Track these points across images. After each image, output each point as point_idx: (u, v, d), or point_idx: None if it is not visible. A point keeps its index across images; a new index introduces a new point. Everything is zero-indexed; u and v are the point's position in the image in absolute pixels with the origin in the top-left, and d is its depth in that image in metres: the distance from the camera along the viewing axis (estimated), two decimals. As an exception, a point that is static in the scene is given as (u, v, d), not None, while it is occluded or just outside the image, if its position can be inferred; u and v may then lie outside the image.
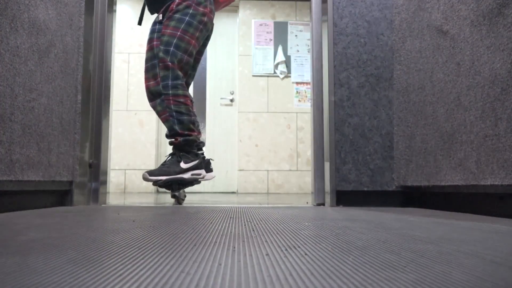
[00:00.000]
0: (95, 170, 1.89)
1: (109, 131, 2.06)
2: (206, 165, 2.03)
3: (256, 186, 4.52)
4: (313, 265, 0.51)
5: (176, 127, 1.93)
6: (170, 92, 1.92)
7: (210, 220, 1.09)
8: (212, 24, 2.14)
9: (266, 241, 0.72)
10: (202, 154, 2.05)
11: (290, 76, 4.69)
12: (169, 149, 4.63)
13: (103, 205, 1.85)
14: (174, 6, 1.99)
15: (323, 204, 1.91)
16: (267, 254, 0.59)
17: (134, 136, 4.51)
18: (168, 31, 1.96)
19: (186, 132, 1.94)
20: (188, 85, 2.09)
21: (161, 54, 1.93)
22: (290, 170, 4.57)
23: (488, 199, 1.35)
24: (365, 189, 1.86)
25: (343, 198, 1.85)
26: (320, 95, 1.99)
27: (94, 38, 1.93)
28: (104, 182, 1.94)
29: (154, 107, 1.99)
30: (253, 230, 0.87)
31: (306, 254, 0.59)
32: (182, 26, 1.96)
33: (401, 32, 1.88)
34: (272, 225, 0.97)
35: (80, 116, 1.82)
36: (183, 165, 1.94)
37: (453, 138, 1.46)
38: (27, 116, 1.41)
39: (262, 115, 4.63)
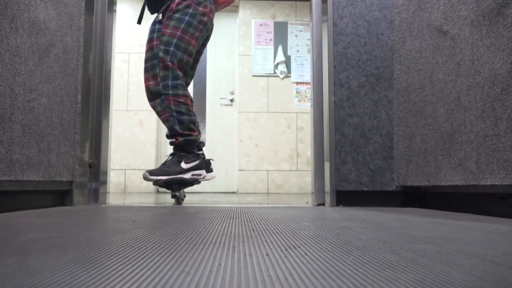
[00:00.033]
0: (95, 170, 1.89)
1: (109, 131, 2.06)
2: (206, 165, 2.03)
3: (256, 186, 4.52)
4: (313, 265, 0.51)
5: (177, 127, 1.93)
6: (170, 92, 1.92)
7: (210, 220, 1.09)
8: (212, 24, 2.14)
9: (266, 241, 0.72)
10: (203, 154, 2.05)
11: (290, 76, 4.69)
12: (169, 149, 4.63)
13: (103, 205, 1.85)
14: (174, 5, 1.99)
15: (323, 204, 1.91)
16: (267, 254, 0.59)
17: (134, 136, 4.51)
18: (168, 31, 1.96)
19: (186, 132, 1.94)
20: (187, 84, 2.09)
21: (161, 54, 1.93)
22: (290, 170, 4.57)
23: (488, 199, 1.35)
24: (365, 189, 1.86)
25: (343, 198, 1.85)
26: (320, 95, 1.99)
27: (94, 38, 1.93)
28: (104, 182, 1.93)
29: (154, 107, 1.99)
30: (253, 230, 0.87)
31: (306, 254, 0.59)
32: (182, 26, 1.96)
33: (401, 32, 1.88)
34: (272, 225, 0.97)
35: (80, 116, 1.82)
36: (184, 165, 1.94)
37: (453, 138, 1.46)
38: (27, 116, 1.41)
39: (262, 115, 4.63)
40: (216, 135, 4.74)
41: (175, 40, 1.94)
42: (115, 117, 4.49)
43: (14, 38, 1.33)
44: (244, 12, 4.78)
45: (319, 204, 1.91)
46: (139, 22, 2.19)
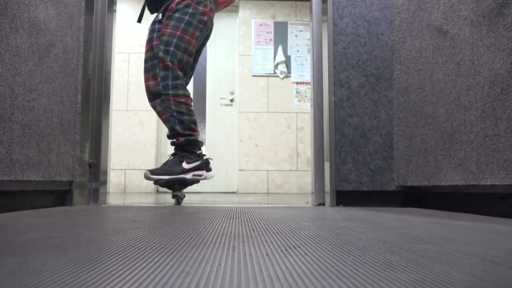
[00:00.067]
0: (95, 170, 1.89)
1: (109, 131, 2.06)
2: (205, 164, 2.04)
3: (256, 186, 4.52)
4: (313, 265, 0.51)
5: (177, 127, 1.93)
6: (171, 92, 1.92)
7: (210, 220, 1.09)
8: (212, 24, 2.13)
9: (266, 241, 0.72)
10: (203, 154, 2.05)
11: (290, 76, 4.69)
12: (169, 149, 4.63)
13: (103, 205, 1.85)
14: (174, 5, 1.99)
15: (323, 204, 1.91)
16: (267, 254, 0.59)
17: (134, 136, 4.51)
18: (168, 30, 1.96)
19: (187, 132, 1.94)
20: (186, 84, 2.09)
21: (161, 54, 1.93)
22: (290, 170, 4.57)
23: (488, 199, 1.35)
24: (365, 189, 1.86)
25: (343, 198, 1.85)
26: (320, 95, 1.99)
27: (94, 38, 1.93)
28: (104, 182, 1.93)
29: (154, 107, 1.99)
30: (253, 230, 0.87)
31: (306, 254, 0.59)
32: (182, 25, 1.96)
33: (401, 32, 1.88)
34: (272, 225, 0.97)
35: (80, 116, 1.82)
36: (185, 165, 1.94)
37: (453, 138, 1.46)
38: (27, 116, 1.41)
39: (262, 115, 4.63)
40: (216, 135, 4.74)
41: (175, 40, 1.94)
42: (115, 117, 4.49)
43: (14, 38, 1.33)
44: (244, 12, 4.78)
45: (319, 204, 1.91)
46: (139, 20, 2.19)
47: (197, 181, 1.99)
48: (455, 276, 0.45)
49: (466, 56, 1.39)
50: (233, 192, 4.59)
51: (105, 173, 1.95)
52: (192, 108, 1.98)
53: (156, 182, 1.90)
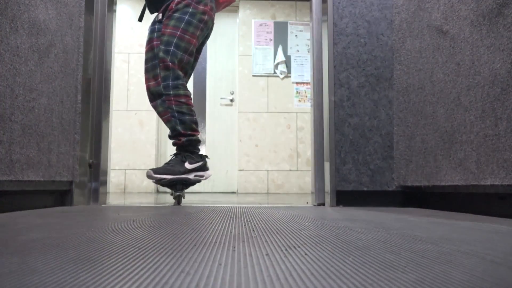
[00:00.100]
0: (95, 170, 1.89)
1: (109, 131, 2.06)
2: (205, 165, 2.04)
3: (256, 186, 4.52)
4: (313, 265, 0.51)
5: (179, 128, 1.92)
6: (171, 92, 1.92)
7: (210, 220, 1.09)
8: (213, 23, 2.13)
9: (266, 241, 0.72)
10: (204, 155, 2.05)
11: (290, 76, 4.69)
12: (169, 149, 4.63)
13: (103, 205, 1.85)
14: (174, 5, 1.98)
15: (323, 204, 1.91)
16: (267, 254, 0.59)
17: (134, 136, 4.51)
18: (168, 30, 1.95)
19: (189, 132, 1.94)
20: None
21: (161, 54, 1.93)
22: (290, 170, 4.57)
23: (488, 199, 1.35)
24: (365, 189, 1.86)
25: (343, 198, 1.85)
26: (320, 95, 1.99)
27: (94, 38, 1.93)
28: (104, 182, 1.93)
29: (155, 108, 1.98)
30: (253, 230, 0.87)
31: (306, 254, 0.59)
32: (182, 25, 1.96)
33: (401, 32, 1.88)
34: (272, 225, 0.97)
35: (80, 116, 1.82)
36: (188, 165, 1.94)
37: (453, 138, 1.46)
38: (27, 116, 1.41)
39: (262, 115, 4.63)
40: (216, 135, 4.74)
41: (175, 40, 1.94)
42: (115, 117, 4.49)
43: (14, 38, 1.33)
44: (244, 12, 4.78)
45: (319, 204, 1.91)
46: (140, 19, 2.19)
47: (198, 182, 1.99)
48: (455, 276, 0.45)
49: (466, 56, 1.39)
50: (233, 192, 4.59)
51: (105, 173, 1.95)
52: (193, 108, 1.98)
53: (159, 181, 1.89)
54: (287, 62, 4.70)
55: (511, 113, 1.16)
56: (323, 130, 1.96)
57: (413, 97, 1.76)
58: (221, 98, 4.78)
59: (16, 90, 1.34)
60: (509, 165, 1.15)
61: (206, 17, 2.03)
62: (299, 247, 0.65)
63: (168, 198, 2.69)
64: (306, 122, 4.65)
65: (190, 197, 2.89)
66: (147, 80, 1.99)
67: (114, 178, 4.44)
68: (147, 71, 2.00)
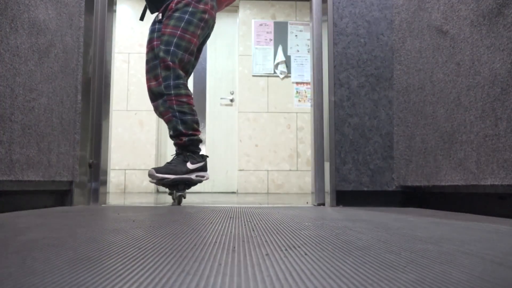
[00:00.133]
0: (95, 170, 1.89)
1: (109, 131, 2.07)
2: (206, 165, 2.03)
3: (256, 186, 4.52)
4: (313, 265, 0.51)
5: (180, 127, 1.92)
6: (172, 92, 1.91)
7: (210, 220, 1.09)
8: (214, 21, 2.12)
9: (266, 241, 0.72)
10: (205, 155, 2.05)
11: (290, 76, 4.69)
12: (169, 149, 4.63)
13: (103, 205, 1.85)
14: (174, 4, 1.98)
15: (323, 204, 1.91)
16: (267, 254, 0.59)
17: (134, 136, 4.51)
18: (168, 30, 1.95)
19: (190, 132, 1.93)
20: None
21: (161, 54, 1.93)
22: (290, 170, 4.57)
23: (488, 199, 1.35)
24: (365, 189, 1.86)
25: (343, 198, 1.85)
26: (320, 95, 1.99)
27: (94, 38, 1.93)
28: (104, 182, 1.93)
29: (156, 108, 1.97)
30: (253, 230, 0.87)
31: (306, 254, 0.59)
32: (182, 24, 1.95)
33: (401, 32, 1.88)
34: (272, 225, 0.97)
35: (80, 116, 1.82)
36: (189, 165, 1.93)
37: (453, 138, 1.46)
38: (27, 116, 1.41)
39: (262, 115, 4.63)
40: (216, 135, 4.74)
41: (175, 40, 1.93)
42: (115, 117, 4.50)
43: (14, 38, 1.33)
44: (244, 12, 4.78)
45: (319, 204, 1.91)
46: (141, 18, 2.19)
47: (200, 182, 1.99)
48: (455, 276, 0.45)
49: (466, 56, 1.39)
50: (233, 192, 4.59)
51: (105, 173, 1.95)
52: (194, 107, 1.98)
53: (161, 181, 1.88)
54: (287, 62, 4.70)
55: (511, 113, 1.16)
56: (323, 130, 1.96)
57: (413, 97, 1.76)
58: (221, 98, 4.78)
59: (16, 90, 1.34)
60: (509, 165, 1.15)
61: (206, 16, 2.03)
62: (299, 247, 0.65)
63: (168, 198, 2.69)
64: (306, 122, 4.65)
65: (190, 197, 2.89)
66: (148, 80, 1.99)
67: (114, 178, 4.44)
68: (148, 71, 2.00)
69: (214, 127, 4.75)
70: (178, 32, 1.94)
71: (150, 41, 2.03)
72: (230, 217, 1.18)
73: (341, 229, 0.90)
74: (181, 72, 1.94)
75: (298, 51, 4.73)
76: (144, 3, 4.70)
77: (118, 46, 4.61)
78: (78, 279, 0.43)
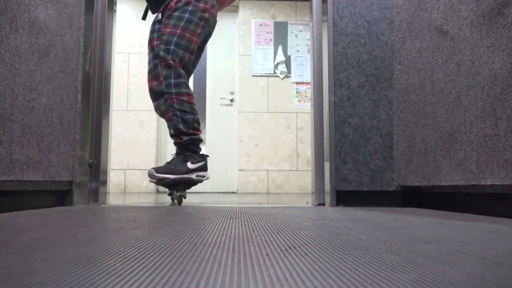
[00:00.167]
0: (95, 170, 1.89)
1: (109, 131, 2.06)
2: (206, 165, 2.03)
3: (256, 186, 4.52)
4: (313, 265, 0.51)
5: (181, 126, 1.91)
6: (173, 91, 1.90)
7: (210, 220, 1.09)
8: (215, 20, 2.12)
9: (266, 241, 0.72)
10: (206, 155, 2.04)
11: (290, 76, 4.69)
12: (169, 149, 4.63)
13: (103, 205, 1.85)
14: (173, 4, 1.98)
15: (323, 204, 1.91)
16: (267, 254, 0.59)
17: (134, 136, 4.51)
18: (168, 30, 1.95)
19: (191, 131, 1.92)
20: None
21: (161, 53, 1.92)
22: (290, 170, 4.57)
23: (488, 199, 1.35)
24: (365, 189, 1.86)
25: (343, 198, 1.85)
26: (320, 95, 1.99)
27: (94, 38, 1.93)
28: (104, 182, 1.93)
29: (157, 107, 1.96)
30: (253, 230, 0.87)
31: (306, 254, 0.59)
32: (182, 23, 1.95)
33: (401, 32, 1.88)
34: (272, 225, 0.97)
35: (80, 116, 1.82)
36: (190, 165, 1.92)
37: (453, 138, 1.46)
38: (27, 116, 1.41)
39: (262, 115, 4.63)
40: (216, 135, 4.74)
41: (175, 39, 1.93)
42: (115, 117, 4.50)
43: (14, 38, 1.33)
44: (244, 12, 4.78)
45: (319, 204, 1.91)
46: (143, 18, 2.19)
47: (200, 182, 1.98)
48: (455, 276, 0.45)
49: (466, 56, 1.39)
50: (233, 192, 4.59)
51: (105, 173, 1.95)
52: (195, 106, 1.97)
53: (161, 181, 1.88)
54: (287, 62, 4.70)
55: (511, 113, 1.16)
56: (323, 130, 1.96)
57: (413, 97, 1.76)
58: (221, 98, 4.78)
59: (16, 90, 1.34)
60: (509, 165, 1.15)
61: (206, 15, 2.02)
62: (299, 247, 0.65)
63: (168, 198, 2.69)
64: (306, 122, 4.65)
65: (190, 197, 2.89)
66: (149, 81, 1.98)
67: (114, 178, 4.44)
68: (149, 72, 1.99)
69: (214, 127, 4.75)
70: (178, 31, 1.94)
71: (150, 41, 2.03)
72: (230, 217, 1.18)
73: (341, 229, 0.90)
74: (181, 71, 1.94)
75: (298, 51, 4.73)
76: (143, 3, 4.71)
77: (118, 46, 4.61)
78: (78, 279, 0.43)
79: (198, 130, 1.96)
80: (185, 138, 1.92)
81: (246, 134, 4.58)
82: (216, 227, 0.92)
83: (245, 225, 0.98)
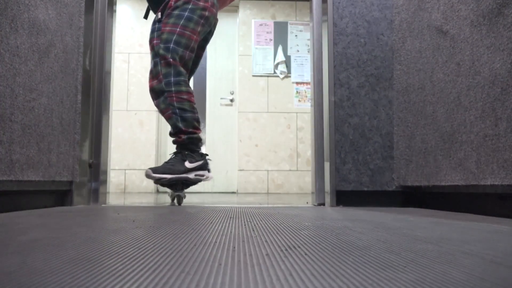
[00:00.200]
0: (95, 170, 1.89)
1: (109, 131, 2.06)
2: (207, 165, 2.01)
3: (256, 186, 4.52)
4: (313, 265, 0.51)
5: (180, 125, 1.89)
6: (173, 89, 1.89)
7: (210, 220, 1.09)
8: (216, 19, 2.11)
9: (266, 241, 0.72)
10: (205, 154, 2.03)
11: (290, 76, 4.69)
12: (170, 149, 4.63)
13: (103, 205, 1.85)
14: (173, 2, 1.98)
15: (323, 204, 1.91)
16: (267, 254, 0.59)
17: (134, 136, 4.51)
18: (168, 28, 1.94)
19: (190, 130, 1.91)
20: (188, 80, 2.07)
21: (161, 52, 1.92)
22: (290, 170, 4.57)
23: (488, 199, 1.35)
24: (365, 189, 1.86)
25: (343, 198, 1.85)
26: (320, 95, 1.99)
27: (94, 38, 1.93)
28: (104, 182, 1.93)
29: (157, 106, 1.95)
30: (253, 230, 0.87)
31: (306, 254, 0.59)
32: (182, 22, 1.94)
33: (401, 32, 1.88)
34: (272, 225, 0.97)
35: (80, 116, 1.82)
36: (188, 164, 1.90)
37: (453, 138, 1.46)
38: (27, 116, 1.41)
39: (262, 115, 4.63)
40: (216, 135, 4.74)
41: (174, 37, 1.92)
42: (115, 117, 4.50)
43: (14, 38, 1.33)
44: (244, 12, 4.78)
45: (319, 204, 1.91)
46: (145, 17, 2.19)
47: (199, 181, 1.96)
48: (455, 276, 0.45)
49: (466, 56, 1.39)
50: (233, 192, 4.59)
51: (105, 173, 1.95)
52: (195, 105, 1.96)
53: (158, 181, 1.87)
54: (287, 62, 4.70)
55: (511, 113, 1.16)
56: (323, 130, 1.96)
57: (413, 97, 1.76)
58: (221, 98, 4.78)
59: (16, 90, 1.34)
60: (509, 165, 1.15)
61: (207, 13, 2.01)
62: (299, 247, 0.65)
63: (168, 198, 2.69)
64: (306, 122, 4.65)
65: (190, 197, 2.89)
66: (150, 80, 1.97)
67: (114, 178, 4.44)
68: (150, 71, 1.99)
69: (214, 127, 4.75)
70: (178, 29, 1.93)
71: (150, 41, 2.03)
72: (230, 217, 1.18)
73: (341, 229, 0.90)
74: (182, 69, 1.93)
75: (298, 51, 4.73)
76: (143, 3, 4.71)
77: (118, 46, 4.61)
78: (78, 279, 0.43)
79: (198, 129, 1.94)
80: (183, 137, 1.91)
81: (246, 134, 4.58)
82: (216, 227, 0.92)
83: (245, 225, 0.98)
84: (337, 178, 1.85)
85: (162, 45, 1.92)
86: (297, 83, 4.70)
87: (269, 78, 4.68)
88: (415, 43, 1.76)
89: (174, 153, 1.96)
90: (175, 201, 1.96)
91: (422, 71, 1.70)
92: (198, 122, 1.95)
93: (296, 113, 4.66)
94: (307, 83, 4.70)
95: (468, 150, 1.37)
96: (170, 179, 1.86)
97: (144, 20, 4.63)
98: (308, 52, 4.73)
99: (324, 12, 1.98)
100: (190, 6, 1.97)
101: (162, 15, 2.01)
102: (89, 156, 1.87)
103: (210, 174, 2.01)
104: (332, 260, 0.54)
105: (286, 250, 0.63)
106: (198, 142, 1.96)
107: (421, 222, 1.08)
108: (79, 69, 1.83)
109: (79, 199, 1.80)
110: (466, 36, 1.39)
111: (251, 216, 1.22)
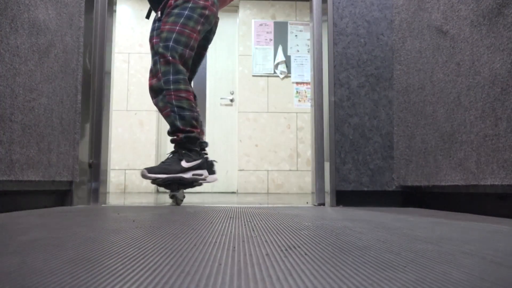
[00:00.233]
0: (95, 170, 1.89)
1: (109, 131, 2.06)
2: (209, 166, 1.98)
3: (256, 186, 4.52)
4: (313, 265, 0.51)
5: (178, 123, 1.88)
6: (171, 87, 1.88)
7: (210, 220, 1.09)
8: (216, 18, 2.10)
9: (266, 241, 0.72)
10: (206, 154, 2.01)
11: (290, 76, 4.69)
12: (170, 149, 4.63)
13: (103, 205, 1.85)
14: (173, 1, 1.98)
15: (323, 204, 1.91)
16: (267, 254, 0.59)
17: (134, 136, 4.51)
18: (167, 27, 1.94)
19: (188, 129, 1.89)
20: (190, 80, 2.06)
21: (160, 50, 1.91)
22: (290, 170, 4.57)
23: (488, 199, 1.35)
24: (365, 189, 1.86)
25: (343, 198, 1.85)
26: (320, 95, 1.99)
27: (94, 38, 1.93)
28: (104, 182, 1.93)
29: (156, 104, 1.93)
30: (253, 230, 0.87)
31: (306, 254, 0.59)
32: (181, 20, 1.94)
33: (401, 32, 1.88)
34: (272, 225, 0.97)
35: (80, 116, 1.82)
36: (184, 164, 1.88)
37: (453, 138, 1.46)
38: (27, 116, 1.41)
39: (262, 115, 4.63)
40: (216, 135, 4.74)
41: (174, 35, 1.91)
42: (115, 117, 4.50)
43: (14, 38, 1.33)
44: (244, 12, 4.78)
45: (319, 204, 1.91)
46: (147, 16, 2.18)
47: (197, 182, 1.92)
48: (455, 276, 0.45)
49: (466, 56, 1.39)
50: (233, 192, 4.59)
51: (105, 173, 1.95)
52: (194, 104, 1.93)
53: (154, 181, 1.86)
54: (287, 62, 4.70)
55: (511, 113, 1.16)
56: (323, 130, 1.96)
57: (413, 97, 1.76)
58: (221, 98, 4.78)
59: (16, 90, 1.34)
60: (509, 165, 1.15)
61: (207, 12, 2.01)
62: (299, 247, 0.65)
63: (168, 198, 2.69)
64: (306, 122, 4.65)
65: (190, 197, 2.89)
66: (150, 78, 1.95)
67: (114, 178, 4.44)
68: (150, 70, 1.98)
69: (214, 127, 4.75)
70: (177, 27, 1.92)
71: (150, 40, 2.03)
72: (230, 217, 1.18)
73: (341, 229, 0.90)
74: (181, 68, 1.91)
75: (298, 51, 4.73)
76: (143, 3, 4.71)
77: (118, 46, 4.61)
78: (78, 279, 0.43)
79: (196, 127, 1.92)
80: (181, 135, 1.88)
81: (246, 134, 4.58)
82: (216, 227, 0.92)
83: (245, 225, 0.98)
84: (337, 178, 1.85)
85: (161, 44, 1.91)
86: (297, 83, 4.70)
87: (269, 78, 4.68)
88: (415, 43, 1.76)
89: (172, 152, 1.94)
90: (174, 201, 1.95)
91: (422, 71, 1.70)
92: (197, 120, 1.93)
93: (296, 113, 4.66)
94: (307, 83, 4.70)
95: (468, 150, 1.37)
96: (164, 179, 1.84)
97: (145, 20, 4.63)
98: (308, 52, 4.73)
99: (324, 12, 1.98)
100: (190, 5, 1.97)
101: (162, 14, 2.01)
102: (89, 156, 1.87)
103: (212, 176, 1.98)
104: (332, 260, 0.54)
105: (286, 250, 0.63)
106: (196, 141, 1.93)
107: (421, 222, 1.08)
108: (79, 69, 1.83)
109: (79, 199, 1.80)
110: (466, 36, 1.39)
111: (251, 216, 1.22)
